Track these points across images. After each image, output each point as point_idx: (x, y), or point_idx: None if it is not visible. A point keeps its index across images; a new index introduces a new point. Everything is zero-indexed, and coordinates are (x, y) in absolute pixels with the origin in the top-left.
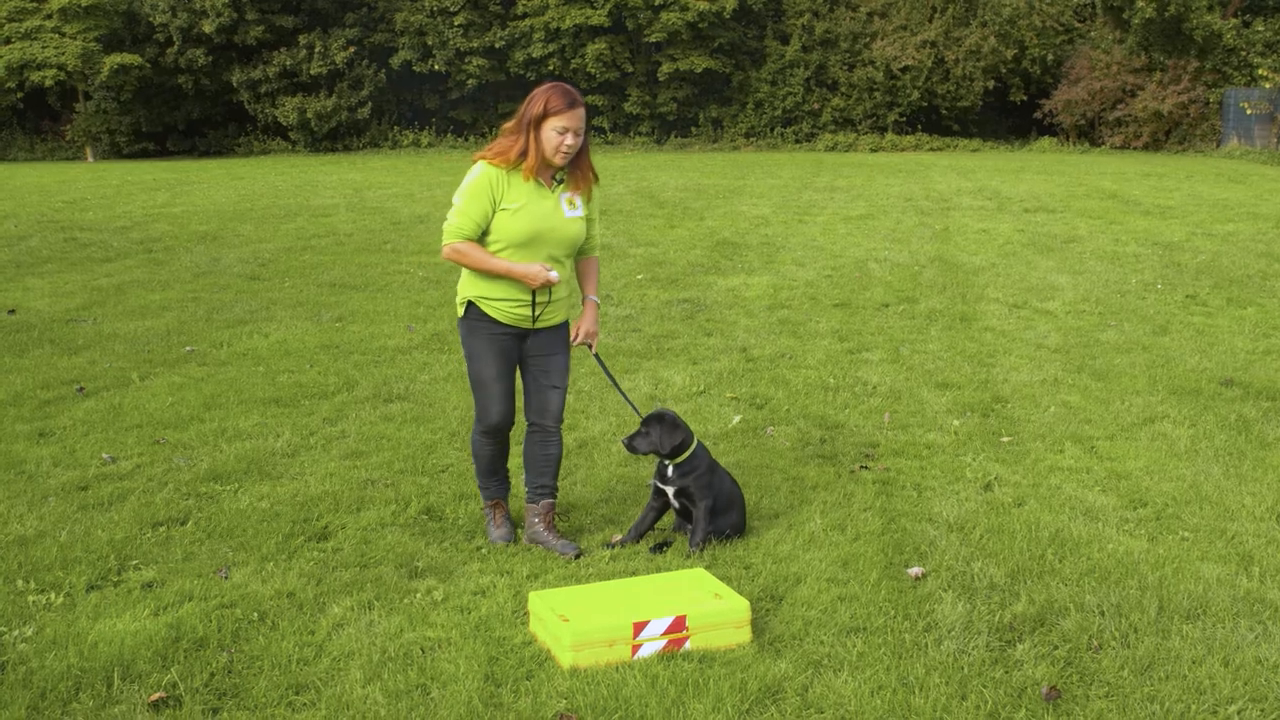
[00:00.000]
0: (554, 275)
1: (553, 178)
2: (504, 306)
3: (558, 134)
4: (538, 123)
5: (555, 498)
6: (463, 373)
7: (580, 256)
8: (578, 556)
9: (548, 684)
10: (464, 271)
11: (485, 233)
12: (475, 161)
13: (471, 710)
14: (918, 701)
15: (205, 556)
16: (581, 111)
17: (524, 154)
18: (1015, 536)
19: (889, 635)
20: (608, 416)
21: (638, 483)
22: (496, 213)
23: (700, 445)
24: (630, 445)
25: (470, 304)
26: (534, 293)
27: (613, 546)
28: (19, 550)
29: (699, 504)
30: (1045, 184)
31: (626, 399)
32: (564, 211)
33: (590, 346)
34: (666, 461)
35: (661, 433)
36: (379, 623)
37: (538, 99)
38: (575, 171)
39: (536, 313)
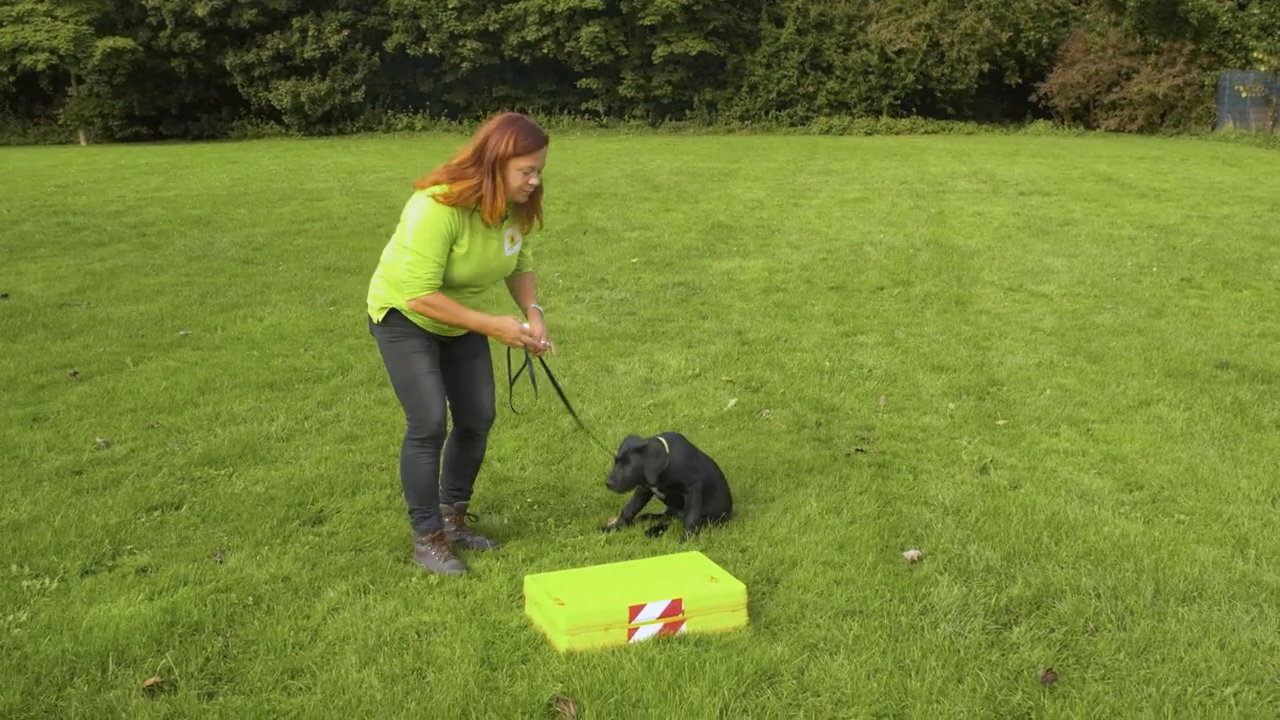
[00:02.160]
0: (533, 339)
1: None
2: (432, 323)
3: (523, 174)
4: (503, 162)
5: (469, 499)
6: None
7: (515, 274)
8: (495, 548)
9: (543, 667)
10: (386, 279)
11: None
12: (419, 191)
13: (467, 694)
14: (914, 684)
15: (200, 541)
16: (546, 149)
17: (489, 196)
18: (1011, 519)
19: (885, 618)
20: (603, 400)
21: None
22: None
23: (675, 443)
24: (612, 483)
25: (393, 311)
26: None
27: (608, 530)
28: (13, 535)
29: (689, 487)
30: (1040, 167)
31: (569, 409)
32: (504, 249)
33: (550, 349)
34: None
35: (646, 461)
36: (374, 607)
37: (502, 136)
38: (523, 209)
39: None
